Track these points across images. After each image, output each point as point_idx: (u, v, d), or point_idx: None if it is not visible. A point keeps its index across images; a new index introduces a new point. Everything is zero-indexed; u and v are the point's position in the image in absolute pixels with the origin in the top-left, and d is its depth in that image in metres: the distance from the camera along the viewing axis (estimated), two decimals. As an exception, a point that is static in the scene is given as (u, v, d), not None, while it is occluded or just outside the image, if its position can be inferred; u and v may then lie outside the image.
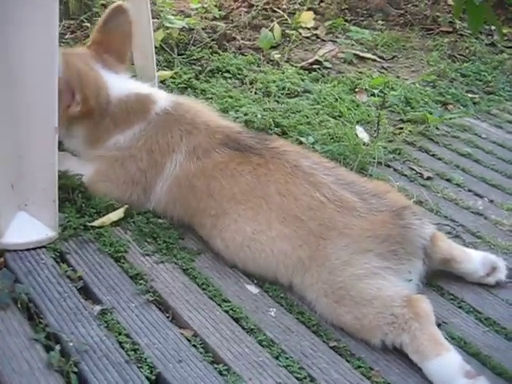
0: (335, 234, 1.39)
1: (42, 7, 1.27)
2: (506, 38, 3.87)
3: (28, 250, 1.41)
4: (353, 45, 3.25)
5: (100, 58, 1.70)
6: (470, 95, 2.95)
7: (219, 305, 1.36)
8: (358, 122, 2.44)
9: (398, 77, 3.05)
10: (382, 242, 1.38)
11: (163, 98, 1.68)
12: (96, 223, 1.53)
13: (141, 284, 1.38)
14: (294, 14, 3.58)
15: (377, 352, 1.29)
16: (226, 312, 1.34)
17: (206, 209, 1.51)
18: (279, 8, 3.66)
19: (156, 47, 2.48)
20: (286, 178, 1.47)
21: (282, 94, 2.49)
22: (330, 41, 3.31)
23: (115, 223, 1.56)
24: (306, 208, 1.43)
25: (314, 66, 2.91)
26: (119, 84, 1.66)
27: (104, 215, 1.56)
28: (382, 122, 2.36)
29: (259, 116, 2.16)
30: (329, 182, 1.47)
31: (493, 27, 3.87)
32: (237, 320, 1.32)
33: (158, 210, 1.61)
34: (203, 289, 1.41)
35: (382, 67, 3.16)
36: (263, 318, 1.35)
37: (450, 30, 3.88)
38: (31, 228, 1.42)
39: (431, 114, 2.56)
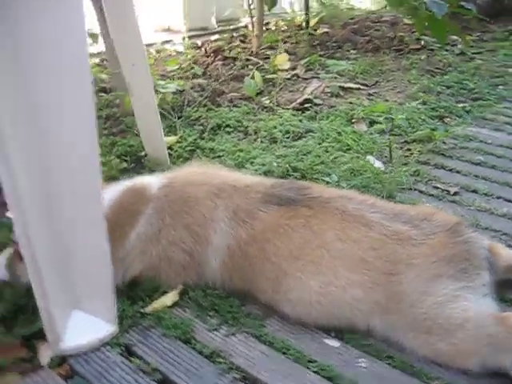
0: (403, 267, 1.35)
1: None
2: (470, 45, 3.98)
3: (92, 350, 1.32)
4: (335, 77, 3.28)
5: None
6: (460, 105, 2.99)
7: (306, 367, 1.29)
8: (366, 152, 2.43)
9: (386, 100, 3.08)
10: (448, 264, 1.34)
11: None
12: (150, 309, 1.45)
13: (220, 362, 1.30)
14: (268, 58, 3.62)
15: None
16: (317, 373, 1.27)
17: (264, 274, 1.44)
18: (252, 55, 3.70)
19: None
20: (340, 224, 1.42)
21: (287, 137, 2.49)
22: (313, 77, 3.33)
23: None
24: (368, 249, 1.38)
25: (306, 105, 2.92)
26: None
27: (156, 298, 1.48)
28: (392, 147, 2.36)
29: (275, 164, 2.13)
30: (379, 219, 1.43)
31: (455, 37, 4.01)
32: (330, 379, 1.25)
33: (213, 283, 1.53)
34: (283, 353, 1.33)
35: (369, 94, 3.19)
36: (355, 371, 1.28)
37: (419, 47, 3.98)
38: (90, 326, 1.34)
39: (434, 130, 2.57)
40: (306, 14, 4.38)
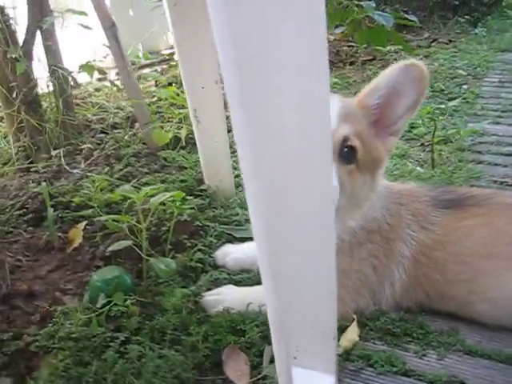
0: None
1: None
2: (414, 53, 4.19)
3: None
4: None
5: None
6: (444, 106, 3.10)
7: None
8: (398, 158, 2.42)
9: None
10: None
11: None
12: (341, 348, 1.28)
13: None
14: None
15: None
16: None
17: (457, 276, 1.34)
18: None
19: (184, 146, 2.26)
20: None
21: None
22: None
23: (356, 336, 1.32)
24: None
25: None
26: None
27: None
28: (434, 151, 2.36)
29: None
30: None
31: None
32: None
33: (388, 304, 1.39)
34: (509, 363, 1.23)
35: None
36: None
37: (371, 57, 4.10)
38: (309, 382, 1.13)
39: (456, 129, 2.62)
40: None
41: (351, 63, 4.06)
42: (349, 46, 4.51)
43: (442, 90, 3.38)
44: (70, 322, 1.40)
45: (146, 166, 2.12)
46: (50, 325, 1.41)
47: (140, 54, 3.82)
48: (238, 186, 2.00)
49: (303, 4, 0.82)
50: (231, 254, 1.61)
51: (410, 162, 2.40)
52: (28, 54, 2.24)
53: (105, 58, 2.53)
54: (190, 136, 2.30)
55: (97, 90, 2.92)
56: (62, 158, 2.12)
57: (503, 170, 2.27)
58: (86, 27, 2.16)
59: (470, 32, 5.31)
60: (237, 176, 1.97)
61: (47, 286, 1.63)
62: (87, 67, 2.23)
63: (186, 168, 2.10)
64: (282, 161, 0.88)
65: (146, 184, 1.93)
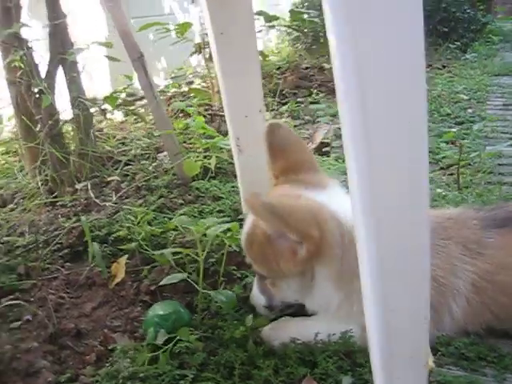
0: None
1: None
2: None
3: None
4: (332, 119, 3.27)
5: (297, 182, 1.40)
6: (455, 129, 3.14)
7: None
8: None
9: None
10: None
11: None
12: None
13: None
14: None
15: None
16: None
17: None
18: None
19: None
20: None
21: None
22: (306, 123, 3.29)
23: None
24: None
25: (324, 149, 2.85)
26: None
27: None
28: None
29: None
30: None
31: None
32: None
33: (451, 330, 1.37)
34: None
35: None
36: None
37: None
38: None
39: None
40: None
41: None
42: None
43: (449, 114, 3.43)
44: (129, 360, 1.35)
45: (179, 196, 2.08)
46: (108, 364, 1.36)
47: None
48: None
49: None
50: None
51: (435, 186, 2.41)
52: (51, 87, 2.21)
53: (125, 89, 2.50)
54: (219, 166, 2.29)
55: (121, 122, 2.90)
56: (90, 191, 2.08)
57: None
58: (113, 59, 2.15)
59: (460, 58, 5.43)
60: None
61: (94, 323, 1.58)
62: (111, 98, 2.21)
63: (221, 198, 2.07)
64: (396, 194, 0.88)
65: (184, 215, 1.89)
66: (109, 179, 2.22)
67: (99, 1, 3.23)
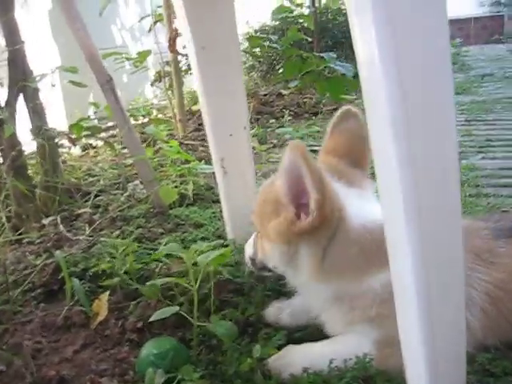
0: None
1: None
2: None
3: None
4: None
5: (335, 170, 1.30)
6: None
7: None
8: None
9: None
10: None
11: None
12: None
13: None
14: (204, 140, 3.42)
15: None
16: None
17: None
18: (185, 140, 3.47)
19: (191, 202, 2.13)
20: None
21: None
22: (277, 146, 3.23)
23: None
24: None
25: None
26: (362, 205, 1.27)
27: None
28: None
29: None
30: None
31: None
32: None
33: (470, 345, 1.29)
34: None
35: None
36: None
37: (335, 106, 4.15)
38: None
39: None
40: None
41: (315, 114, 4.10)
42: (306, 98, 4.57)
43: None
44: (125, 406, 1.21)
45: (158, 226, 1.95)
46: (101, 413, 1.22)
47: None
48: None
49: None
50: (285, 309, 1.47)
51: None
52: (12, 116, 2.06)
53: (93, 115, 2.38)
54: (196, 192, 2.18)
55: (82, 153, 2.74)
56: (60, 226, 1.93)
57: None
58: (79, 85, 2.03)
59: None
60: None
61: (77, 368, 1.42)
62: (76, 127, 2.08)
63: (203, 225, 1.95)
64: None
65: (166, 244, 1.77)
66: (79, 212, 2.07)
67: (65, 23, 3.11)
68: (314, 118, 4.09)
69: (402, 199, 0.80)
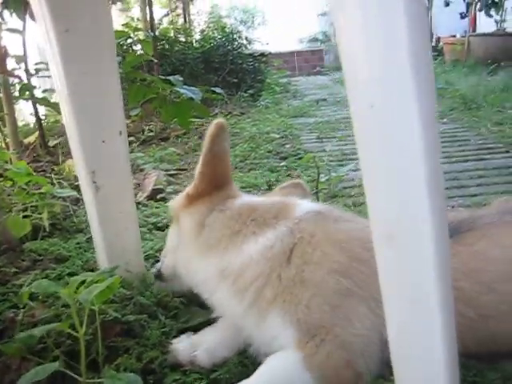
0: None
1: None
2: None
3: None
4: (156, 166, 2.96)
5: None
6: (283, 163, 3.09)
7: None
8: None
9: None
10: None
11: None
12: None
13: None
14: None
15: None
16: None
17: None
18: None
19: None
20: None
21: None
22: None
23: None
24: None
25: (158, 196, 2.54)
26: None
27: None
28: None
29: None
30: None
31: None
32: None
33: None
34: None
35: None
36: None
37: (184, 131, 3.98)
38: None
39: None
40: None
41: (164, 139, 3.88)
42: (151, 125, 4.33)
43: (270, 151, 3.40)
44: None
45: (9, 264, 1.54)
46: None
47: None
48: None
49: None
50: (200, 345, 1.20)
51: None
52: None
53: None
54: (51, 222, 1.81)
55: None
56: None
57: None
58: None
59: (254, 105, 5.61)
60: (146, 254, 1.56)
61: None
62: None
63: (68, 258, 1.59)
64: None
65: (22, 286, 1.39)
66: None
67: None
68: (163, 143, 3.86)
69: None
